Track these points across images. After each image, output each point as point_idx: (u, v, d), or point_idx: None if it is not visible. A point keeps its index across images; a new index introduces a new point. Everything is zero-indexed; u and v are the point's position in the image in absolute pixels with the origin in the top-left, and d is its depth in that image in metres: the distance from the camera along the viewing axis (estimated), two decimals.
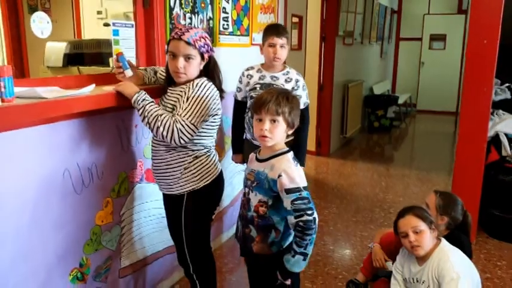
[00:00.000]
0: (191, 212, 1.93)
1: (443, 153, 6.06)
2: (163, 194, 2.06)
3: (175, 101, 1.85)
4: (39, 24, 1.75)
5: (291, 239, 1.68)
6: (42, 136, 1.68)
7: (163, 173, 1.94)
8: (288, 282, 1.67)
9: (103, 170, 1.99)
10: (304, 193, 1.58)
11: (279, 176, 1.59)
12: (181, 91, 1.84)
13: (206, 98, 1.81)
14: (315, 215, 1.58)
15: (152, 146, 1.97)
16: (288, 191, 1.57)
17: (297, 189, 1.57)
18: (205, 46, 1.85)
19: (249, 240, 1.72)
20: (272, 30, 2.47)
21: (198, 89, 1.81)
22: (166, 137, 1.75)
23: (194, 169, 1.88)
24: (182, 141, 1.78)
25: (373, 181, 4.78)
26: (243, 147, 2.68)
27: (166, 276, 2.58)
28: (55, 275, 1.80)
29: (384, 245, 2.42)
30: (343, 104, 6.25)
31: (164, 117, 1.75)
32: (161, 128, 1.74)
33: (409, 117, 8.97)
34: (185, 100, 1.79)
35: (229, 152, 2.98)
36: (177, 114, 1.77)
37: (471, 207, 3.11)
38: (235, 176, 3.22)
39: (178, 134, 1.74)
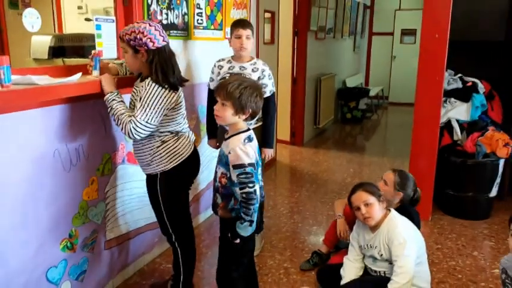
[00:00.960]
0: (165, 189, 2.17)
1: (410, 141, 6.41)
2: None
3: (135, 98, 2.08)
4: (30, 19, 1.95)
5: None
6: (36, 119, 1.89)
7: (138, 156, 2.19)
8: (237, 241, 1.92)
9: (89, 151, 2.21)
10: (248, 169, 1.81)
11: (229, 153, 1.85)
12: (140, 89, 2.02)
13: (154, 99, 1.97)
14: (256, 187, 1.82)
15: None
16: (234, 167, 1.82)
17: (242, 165, 1.81)
18: (135, 40, 1.96)
19: (216, 206, 2.00)
20: (238, 23, 2.72)
21: (146, 91, 1.97)
22: (125, 134, 2.00)
23: (163, 152, 2.10)
24: (138, 137, 2.00)
25: (342, 167, 5.08)
26: (216, 133, 2.92)
27: (148, 250, 2.81)
28: (47, 244, 2.02)
29: (345, 215, 2.70)
30: (316, 96, 6.53)
31: (124, 117, 1.97)
32: (121, 126, 1.99)
33: (381, 109, 9.34)
34: (138, 100, 2.00)
35: (205, 138, 3.21)
36: (133, 115, 1.98)
37: (426, 187, 3.44)
38: (211, 161, 3.45)
39: (132, 131, 1.96)
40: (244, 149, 1.84)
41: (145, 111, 1.97)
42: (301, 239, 3.20)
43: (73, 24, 3.59)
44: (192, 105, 3.14)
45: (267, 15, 4.72)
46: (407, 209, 2.56)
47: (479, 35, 4.41)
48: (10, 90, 1.64)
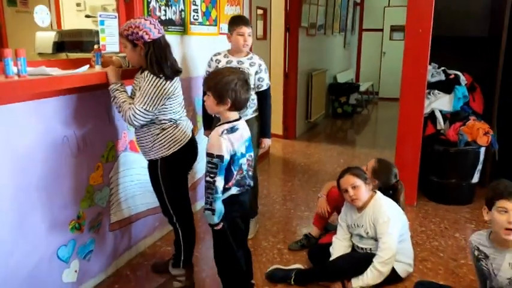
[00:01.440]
0: (166, 173, 2.32)
1: None
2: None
3: (136, 88, 2.24)
4: (41, 15, 2.11)
5: (226, 195, 2.02)
6: (47, 108, 2.05)
7: (140, 143, 2.35)
8: (217, 227, 2.03)
9: (94, 139, 2.37)
10: (215, 160, 1.91)
11: (208, 141, 1.99)
12: (140, 80, 2.19)
13: (153, 89, 2.12)
14: (216, 179, 1.91)
15: None
16: (206, 154, 1.96)
17: (211, 155, 1.92)
18: (132, 34, 2.11)
19: None
20: (240, 21, 2.88)
21: (145, 82, 2.13)
22: (125, 120, 2.18)
23: (163, 139, 2.26)
24: (137, 123, 2.17)
25: (333, 159, 5.27)
26: (212, 124, 3.08)
27: (149, 234, 2.97)
28: (58, 224, 2.19)
29: (332, 198, 2.87)
30: (308, 91, 6.71)
31: (125, 106, 2.15)
32: (121, 113, 2.18)
33: (372, 104, 9.54)
34: (138, 89, 2.17)
35: (202, 129, 3.37)
36: (133, 103, 2.15)
37: (411, 174, 3.63)
38: None
39: (132, 118, 2.14)
40: (217, 140, 1.93)
41: (143, 100, 2.13)
42: (293, 223, 3.39)
43: (72, 21, 3.74)
44: (189, 97, 3.30)
45: (259, 11, 4.88)
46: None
47: (464, 30, 4.61)
48: (27, 79, 1.80)
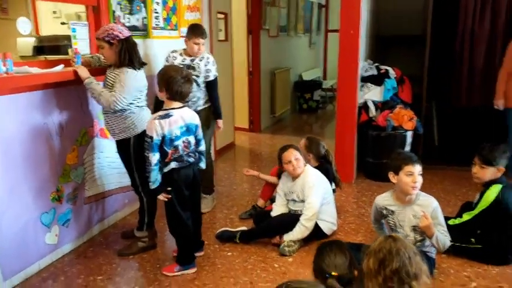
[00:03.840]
0: (136, 148, 2.80)
1: None
2: (116, 141, 2.91)
3: (113, 80, 2.73)
4: (23, 25, 2.60)
5: (168, 168, 2.53)
6: (30, 99, 2.56)
7: (112, 126, 2.82)
8: (163, 196, 2.57)
9: (70, 125, 2.88)
10: (147, 139, 2.44)
11: None
12: (117, 74, 2.70)
13: (131, 81, 2.68)
14: (149, 154, 2.44)
15: (103, 109, 2.85)
16: (144, 135, 2.51)
17: (146, 135, 2.47)
18: (108, 35, 2.65)
19: None
20: (198, 33, 3.40)
21: (126, 76, 2.67)
22: (106, 105, 2.68)
23: (134, 119, 2.78)
24: (117, 108, 2.68)
25: None
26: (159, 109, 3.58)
27: (120, 209, 3.48)
28: (41, 194, 2.69)
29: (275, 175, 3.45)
30: (271, 88, 7.26)
31: (105, 93, 2.66)
32: (103, 100, 2.67)
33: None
34: (119, 81, 2.68)
35: None
36: (114, 91, 2.67)
37: (349, 156, 4.22)
38: None
39: (114, 103, 2.65)
40: (150, 123, 2.46)
41: (124, 89, 2.66)
42: (246, 199, 3.92)
43: (49, 27, 4.22)
44: (152, 92, 3.79)
45: (220, 15, 5.38)
46: (324, 166, 3.33)
47: (402, 30, 5.23)
48: (13, 76, 2.30)
